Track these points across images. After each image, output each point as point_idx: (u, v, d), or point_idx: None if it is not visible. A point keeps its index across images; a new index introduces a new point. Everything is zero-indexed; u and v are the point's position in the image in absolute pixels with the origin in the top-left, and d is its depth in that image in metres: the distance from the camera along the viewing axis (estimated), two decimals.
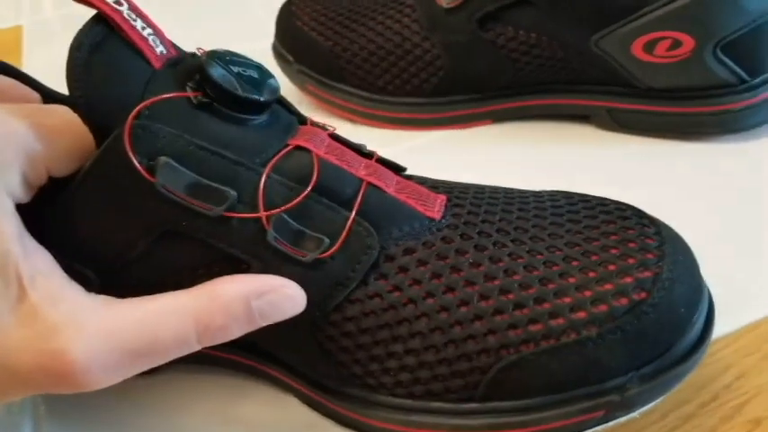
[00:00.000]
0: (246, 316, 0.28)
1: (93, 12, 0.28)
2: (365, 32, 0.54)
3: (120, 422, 0.35)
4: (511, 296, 0.29)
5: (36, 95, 0.33)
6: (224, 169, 0.28)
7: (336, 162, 0.31)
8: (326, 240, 0.29)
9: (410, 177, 0.34)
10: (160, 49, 0.29)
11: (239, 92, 0.29)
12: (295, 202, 0.29)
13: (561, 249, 0.31)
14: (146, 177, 0.27)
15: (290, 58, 0.57)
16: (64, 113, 0.29)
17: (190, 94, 0.29)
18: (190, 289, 0.28)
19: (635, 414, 0.30)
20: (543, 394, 0.29)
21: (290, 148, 0.30)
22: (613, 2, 0.47)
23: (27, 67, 0.33)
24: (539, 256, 0.30)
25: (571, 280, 0.29)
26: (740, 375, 0.34)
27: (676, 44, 0.47)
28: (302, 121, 0.33)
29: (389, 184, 0.32)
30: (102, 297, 0.28)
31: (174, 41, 0.31)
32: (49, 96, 0.33)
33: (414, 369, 0.30)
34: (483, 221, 0.32)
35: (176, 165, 0.28)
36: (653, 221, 0.32)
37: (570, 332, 0.29)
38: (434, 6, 0.52)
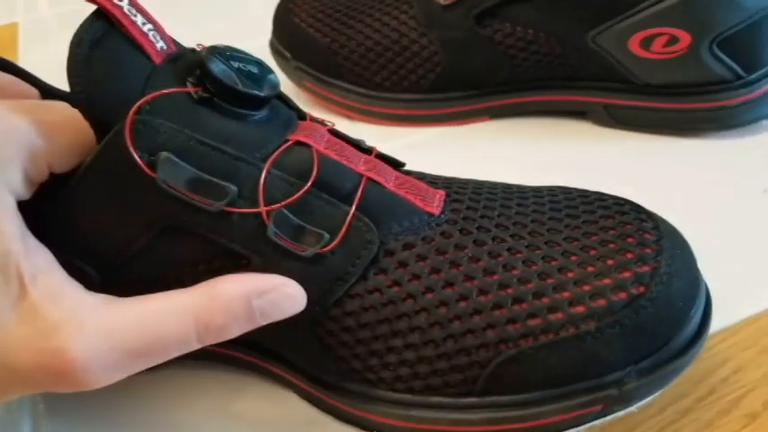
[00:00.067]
0: (247, 315, 0.28)
1: (89, 10, 0.28)
2: (362, 29, 0.54)
3: (119, 419, 0.35)
4: (510, 291, 0.29)
5: (35, 92, 0.33)
6: (224, 164, 0.28)
7: (336, 157, 0.31)
8: (326, 235, 0.29)
9: (409, 173, 0.34)
10: (160, 44, 0.29)
11: (239, 87, 0.29)
12: (295, 197, 0.29)
13: (560, 244, 0.31)
14: (147, 172, 0.27)
15: (288, 55, 0.57)
16: (64, 109, 0.29)
17: (190, 89, 0.29)
18: (190, 288, 0.28)
19: (633, 408, 0.30)
20: (542, 388, 0.29)
21: (289, 143, 0.30)
22: None
23: (23, 65, 0.33)
24: (537, 251, 0.30)
25: (570, 275, 0.30)
26: (737, 369, 0.34)
27: (673, 40, 0.47)
28: (302, 116, 0.33)
29: (389, 179, 0.32)
30: (103, 296, 0.28)
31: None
32: (47, 93, 0.33)
33: (413, 364, 0.30)
34: (482, 217, 0.32)
35: (177, 160, 0.28)
36: (651, 216, 0.32)
37: (569, 326, 0.29)
38: (432, 3, 0.52)
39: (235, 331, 0.28)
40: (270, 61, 0.57)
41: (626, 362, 0.29)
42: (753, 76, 0.49)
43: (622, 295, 0.29)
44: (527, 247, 0.31)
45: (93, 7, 0.28)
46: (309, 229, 0.29)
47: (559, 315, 0.29)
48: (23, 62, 0.69)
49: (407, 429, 0.31)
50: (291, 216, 0.29)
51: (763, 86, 0.49)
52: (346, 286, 0.30)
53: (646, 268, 0.30)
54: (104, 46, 0.28)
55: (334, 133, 0.33)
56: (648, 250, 0.30)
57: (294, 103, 0.33)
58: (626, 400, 0.30)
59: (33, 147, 0.27)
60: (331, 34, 0.55)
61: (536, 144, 0.52)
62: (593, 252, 0.30)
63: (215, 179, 0.28)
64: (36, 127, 0.27)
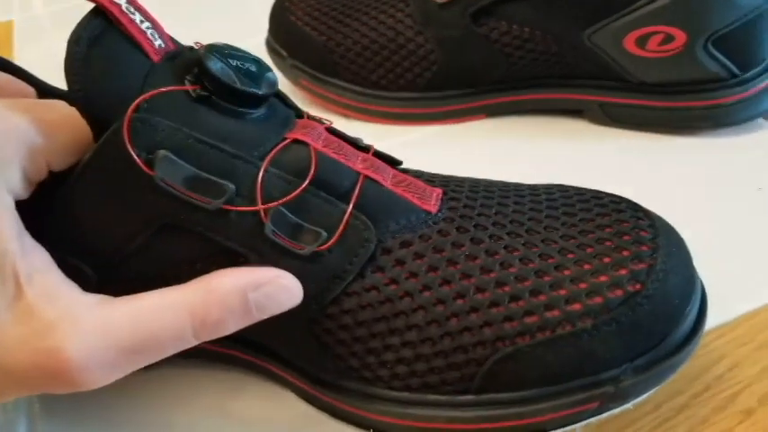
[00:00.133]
0: (243, 309, 0.28)
1: (85, 7, 0.28)
2: (359, 27, 0.54)
3: (115, 419, 0.35)
4: (507, 288, 0.30)
5: (31, 90, 0.33)
6: (222, 163, 0.28)
7: (334, 155, 0.31)
8: (324, 233, 0.29)
9: (406, 171, 0.34)
10: (158, 42, 0.29)
11: (237, 85, 0.29)
12: (293, 195, 0.29)
13: (557, 242, 0.31)
14: (144, 171, 0.27)
15: (284, 53, 0.57)
16: (62, 108, 0.29)
17: (188, 87, 0.29)
18: (185, 284, 0.28)
19: (629, 405, 0.30)
20: (539, 386, 0.29)
21: (287, 141, 0.30)
22: None
23: (18, 63, 0.33)
24: (534, 249, 0.31)
25: (566, 272, 0.30)
26: (733, 366, 0.35)
27: (668, 39, 0.47)
28: (299, 114, 0.33)
29: (386, 177, 0.32)
30: (99, 296, 0.27)
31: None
32: (44, 91, 0.33)
33: (410, 361, 0.30)
34: (479, 214, 0.32)
35: (175, 158, 0.28)
36: (647, 214, 0.33)
37: (566, 324, 0.29)
38: (428, 1, 0.52)
39: (231, 326, 0.28)
40: (266, 60, 0.57)
41: (622, 359, 0.29)
42: (748, 75, 0.49)
43: (619, 292, 0.29)
44: (524, 244, 0.31)
45: (90, 5, 0.28)
46: (307, 228, 0.29)
47: (556, 312, 0.29)
48: (18, 60, 0.69)
49: (405, 427, 0.32)
50: (289, 214, 0.29)
51: (759, 84, 0.49)
52: (344, 284, 0.30)
53: (642, 266, 0.30)
54: (102, 44, 0.28)
55: (332, 131, 0.33)
56: (645, 248, 0.30)
57: (292, 102, 0.33)
58: (622, 398, 0.30)
59: (32, 146, 0.27)
60: (327, 32, 0.55)
61: (532, 142, 0.52)
62: (589, 250, 0.30)
63: (213, 177, 0.28)
64: (35, 126, 0.27)
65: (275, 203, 0.29)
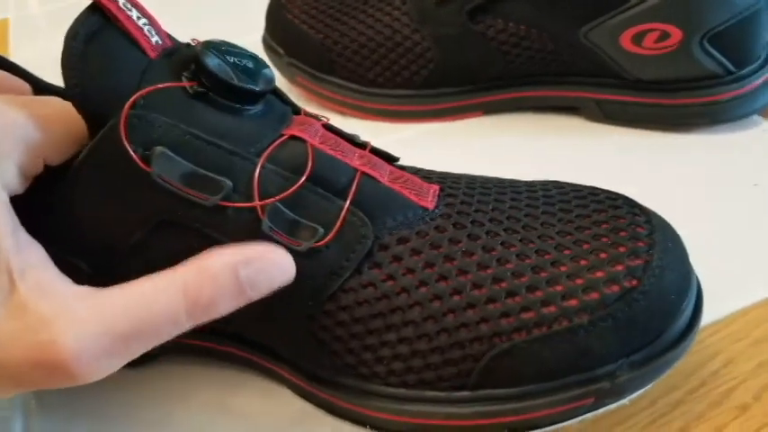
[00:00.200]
0: (235, 286, 0.28)
1: (80, 6, 0.28)
2: (356, 25, 0.54)
3: (112, 415, 0.35)
4: (503, 284, 0.30)
5: (27, 87, 0.33)
6: (219, 159, 0.28)
7: (331, 152, 0.31)
8: (321, 230, 0.29)
9: (403, 168, 0.34)
10: (155, 39, 0.29)
11: (235, 81, 0.29)
12: (290, 191, 0.29)
13: (553, 238, 0.31)
14: (141, 167, 0.27)
15: (281, 51, 0.57)
16: (56, 102, 0.29)
17: (185, 83, 0.29)
18: (177, 266, 0.28)
19: (624, 401, 0.30)
20: (535, 382, 0.30)
21: (284, 137, 0.30)
22: None
23: (13, 61, 0.33)
24: (531, 245, 0.31)
25: (563, 268, 0.30)
26: (728, 362, 0.35)
27: (664, 36, 0.47)
28: (296, 111, 0.33)
29: (383, 173, 0.32)
30: (92, 287, 0.27)
31: None
32: (39, 88, 0.33)
33: (407, 358, 0.30)
34: (476, 211, 0.32)
35: (172, 154, 0.28)
36: (643, 210, 0.33)
37: (562, 320, 0.29)
38: None
39: (224, 305, 0.28)
40: (263, 57, 0.57)
41: (618, 355, 0.29)
42: (743, 72, 0.49)
43: (615, 288, 0.29)
44: (520, 240, 0.31)
45: (86, 3, 0.28)
46: (304, 224, 0.29)
47: (552, 308, 0.29)
48: (14, 58, 0.68)
49: (401, 424, 0.32)
50: (286, 210, 0.29)
51: (754, 81, 0.49)
52: (341, 281, 0.30)
53: (638, 261, 0.30)
54: (100, 40, 0.28)
55: (329, 128, 0.33)
56: (641, 244, 0.30)
57: (289, 98, 0.33)
58: (618, 393, 0.30)
59: (28, 140, 0.27)
60: (324, 30, 0.55)
61: (529, 139, 0.53)
62: (585, 246, 0.30)
63: (210, 174, 0.28)
64: (30, 121, 0.27)
65: (272, 200, 0.29)
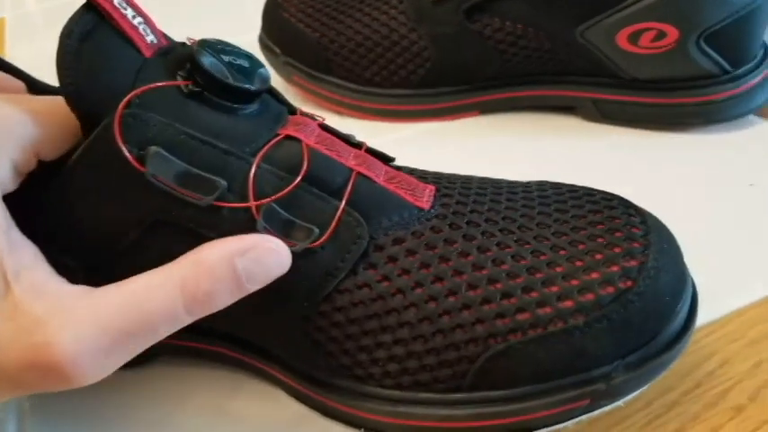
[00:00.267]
0: (232, 278, 0.27)
1: (77, 5, 0.28)
2: (352, 24, 0.54)
3: (107, 417, 0.34)
4: (499, 285, 0.30)
5: (21, 86, 0.33)
6: (214, 159, 0.28)
7: (326, 152, 0.31)
8: (316, 230, 0.29)
9: (399, 168, 0.34)
10: (150, 38, 0.29)
11: (230, 80, 0.29)
12: (285, 191, 0.29)
13: (549, 239, 0.31)
14: (136, 167, 0.27)
15: (277, 50, 0.57)
16: (48, 98, 0.28)
17: (180, 82, 0.29)
18: (174, 261, 0.27)
19: (620, 403, 0.30)
20: (530, 383, 0.29)
21: (280, 137, 0.30)
22: None
23: (9, 60, 0.33)
24: (526, 246, 0.31)
25: (558, 269, 0.30)
26: (724, 362, 0.35)
27: (660, 35, 0.47)
28: (292, 110, 0.33)
29: (379, 174, 0.32)
30: (87, 287, 0.27)
31: None
32: (34, 87, 0.33)
33: (402, 359, 0.30)
34: (471, 211, 0.32)
35: (166, 154, 0.27)
36: (638, 211, 0.33)
37: (557, 321, 0.29)
38: None
39: (222, 298, 0.27)
40: (259, 57, 0.57)
41: (613, 356, 0.29)
42: (739, 71, 0.49)
43: (610, 289, 0.29)
44: (516, 241, 0.31)
45: (81, 2, 0.28)
46: (299, 224, 0.29)
47: (548, 309, 0.29)
48: (9, 57, 0.68)
49: (396, 426, 0.32)
50: (281, 211, 0.29)
51: (750, 81, 0.49)
52: (336, 281, 0.30)
53: (633, 263, 0.30)
54: (94, 39, 0.27)
55: (325, 128, 0.33)
56: (636, 245, 0.30)
57: (284, 98, 0.33)
58: (613, 395, 0.30)
59: (22, 137, 0.26)
60: (320, 29, 0.55)
61: (525, 139, 0.53)
62: (581, 247, 0.30)
63: (204, 173, 0.28)
64: (24, 116, 0.27)
65: (267, 200, 0.29)
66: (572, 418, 0.30)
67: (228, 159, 0.28)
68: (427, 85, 0.54)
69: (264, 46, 0.58)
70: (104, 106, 0.27)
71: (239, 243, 0.28)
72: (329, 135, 0.32)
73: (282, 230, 0.29)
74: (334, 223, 0.30)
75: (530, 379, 0.29)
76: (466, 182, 0.34)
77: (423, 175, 0.34)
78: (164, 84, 0.28)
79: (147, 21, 0.29)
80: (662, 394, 0.33)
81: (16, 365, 0.25)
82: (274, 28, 0.58)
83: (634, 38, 0.48)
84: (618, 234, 0.31)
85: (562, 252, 0.30)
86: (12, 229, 0.26)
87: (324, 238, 0.29)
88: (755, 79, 0.49)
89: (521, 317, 0.29)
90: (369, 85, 0.55)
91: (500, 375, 0.30)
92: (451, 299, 0.30)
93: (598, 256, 0.30)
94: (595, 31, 0.48)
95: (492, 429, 0.30)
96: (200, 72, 0.29)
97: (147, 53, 0.29)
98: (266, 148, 0.29)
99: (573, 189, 0.35)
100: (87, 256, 0.30)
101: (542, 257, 0.30)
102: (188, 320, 0.27)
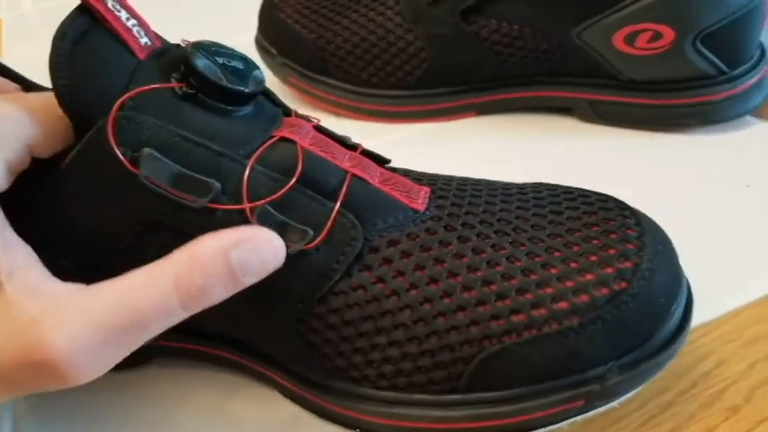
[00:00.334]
0: (227, 272, 0.27)
1: (73, 6, 0.28)
2: (349, 25, 0.54)
3: (103, 417, 0.34)
4: (493, 287, 0.30)
5: (16, 87, 0.32)
6: (208, 161, 0.28)
7: (321, 154, 0.31)
8: (311, 232, 0.29)
9: (394, 169, 0.34)
10: (144, 40, 0.29)
11: (224, 83, 0.29)
12: (279, 193, 0.29)
13: (543, 240, 0.31)
14: (129, 169, 0.27)
15: (274, 51, 0.57)
16: (44, 96, 0.28)
17: (174, 85, 0.29)
18: (168, 255, 0.27)
19: (614, 403, 0.31)
20: (525, 385, 0.29)
21: (274, 139, 0.30)
22: None
23: (5, 61, 0.33)
24: (521, 248, 0.31)
25: (553, 270, 0.30)
26: (719, 363, 0.35)
27: (657, 36, 0.47)
28: (287, 112, 0.33)
29: (374, 175, 0.32)
30: (81, 285, 0.27)
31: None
32: (29, 89, 0.33)
33: (397, 361, 0.30)
34: (466, 213, 0.32)
35: (160, 156, 0.27)
36: (633, 213, 0.33)
37: (552, 322, 0.29)
38: None
39: (217, 292, 0.27)
40: (255, 58, 0.57)
41: (608, 357, 0.29)
42: (736, 72, 0.49)
43: (605, 291, 0.29)
44: (511, 243, 0.31)
45: (76, 3, 0.28)
46: (293, 226, 0.29)
47: (542, 311, 0.29)
48: (6, 58, 0.68)
49: (392, 427, 0.32)
50: (275, 212, 0.29)
51: (747, 82, 0.49)
52: (330, 283, 0.30)
53: (628, 264, 0.30)
54: (88, 41, 0.27)
55: (320, 129, 0.33)
56: (631, 246, 0.30)
57: (279, 100, 0.33)
58: (608, 396, 0.30)
59: (15, 134, 0.26)
60: (317, 30, 0.55)
61: (522, 140, 0.53)
62: (576, 248, 0.30)
63: (198, 175, 0.28)
64: (17, 114, 0.27)
65: (261, 202, 0.29)
66: (567, 418, 0.30)
67: (222, 161, 0.28)
68: (424, 87, 0.54)
69: (261, 47, 0.58)
70: (98, 109, 0.27)
71: (234, 235, 0.28)
72: (324, 137, 0.32)
73: (277, 232, 0.29)
74: (328, 225, 0.30)
75: (524, 380, 0.29)
76: (461, 183, 0.34)
77: (418, 177, 0.34)
78: (158, 86, 0.28)
79: (141, 23, 0.29)
80: (657, 394, 0.33)
81: (11, 366, 0.25)
82: (271, 29, 0.58)
83: (630, 39, 0.48)
84: (613, 236, 0.31)
85: (557, 253, 0.30)
86: (5, 229, 0.26)
87: (318, 239, 0.29)
88: (752, 80, 0.50)
89: (515, 318, 0.29)
90: (365, 87, 0.55)
91: (495, 377, 0.30)
92: (446, 300, 0.30)
93: (593, 258, 0.30)
94: (592, 32, 0.48)
95: (487, 430, 0.30)
96: (194, 74, 0.29)
97: (141, 55, 0.29)
98: (260, 150, 0.29)
99: (568, 191, 0.35)
100: (82, 257, 0.30)
101: (537, 259, 0.30)
102: (183, 315, 0.27)
